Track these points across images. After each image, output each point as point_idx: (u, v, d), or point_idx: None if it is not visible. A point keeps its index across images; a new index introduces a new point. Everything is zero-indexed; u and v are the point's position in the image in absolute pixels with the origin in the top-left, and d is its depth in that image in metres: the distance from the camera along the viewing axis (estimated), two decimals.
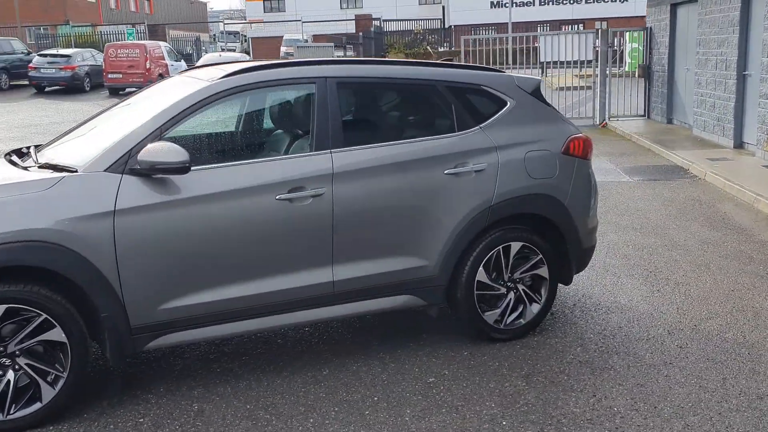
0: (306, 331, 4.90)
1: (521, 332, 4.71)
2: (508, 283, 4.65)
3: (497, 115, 4.65)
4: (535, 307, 4.72)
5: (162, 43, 26.10)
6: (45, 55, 24.52)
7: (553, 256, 4.73)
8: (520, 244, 4.61)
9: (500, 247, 4.56)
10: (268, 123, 4.62)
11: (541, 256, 4.66)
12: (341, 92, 4.29)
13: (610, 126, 15.55)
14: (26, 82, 25.16)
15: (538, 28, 42.61)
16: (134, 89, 22.88)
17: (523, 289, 4.68)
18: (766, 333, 4.78)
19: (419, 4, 50.23)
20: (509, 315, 4.66)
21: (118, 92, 23.55)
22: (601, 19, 43.85)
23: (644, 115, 16.39)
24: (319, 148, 4.14)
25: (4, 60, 24.93)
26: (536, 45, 17.95)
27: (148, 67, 23.21)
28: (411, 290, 4.41)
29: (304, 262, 4.08)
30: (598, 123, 15.94)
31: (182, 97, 3.99)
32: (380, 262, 4.28)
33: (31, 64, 23.96)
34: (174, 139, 3.87)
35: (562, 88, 18.88)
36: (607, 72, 16.00)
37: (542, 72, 22.26)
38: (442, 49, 35.45)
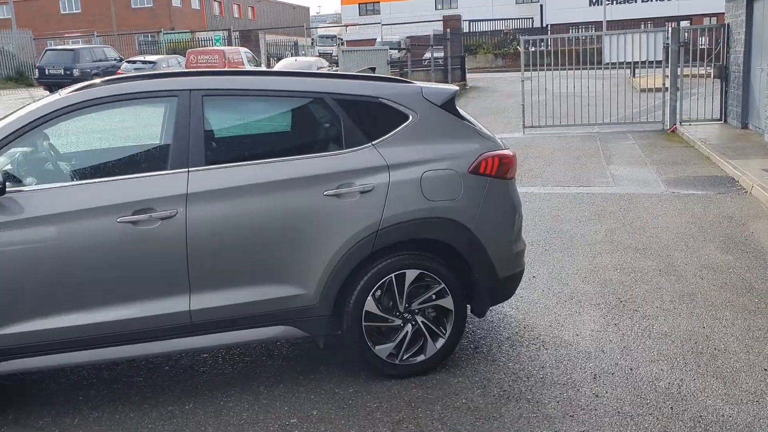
0: (201, 357, 4.64)
1: (421, 369, 4.25)
2: (405, 315, 4.22)
3: (395, 131, 4.22)
4: (439, 342, 4.26)
5: (242, 49, 26.67)
6: (132, 62, 25.60)
7: (460, 286, 4.25)
8: (417, 272, 4.16)
9: (393, 275, 4.13)
10: (124, 139, 4.37)
11: (443, 285, 4.20)
12: (208, 106, 3.99)
13: (679, 131, 14.40)
14: None
15: (641, 25, 40.59)
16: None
17: (423, 322, 4.23)
18: (709, 381, 4.11)
19: (516, 3, 49.02)
20: (407, 350, 4.23)
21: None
22: (711, 15, 41.33)
23: (720, 119, 15.09)
24: (175, 167, 3.86)
25: (97, 67, 26.23)
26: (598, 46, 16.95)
27: None
28: (288, 321, 4.05)
29: (155, 289, 3.82)
30: (667, 128, 14.86)
31: (25, 112, 3.83)
32: (248, 291, 3.95)
33: (119, 71, 25.05)
34: (11, 157, 3.72)
35: (644, 90, 17.83)
36: (679, 73, 14.89)
37: (632, 72, 21.14)
38: (534, 49, 34.38)
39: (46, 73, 25.47)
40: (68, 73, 24.80)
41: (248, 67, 25.30)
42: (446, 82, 24.04)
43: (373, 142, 4.16)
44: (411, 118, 4.25)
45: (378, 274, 4.10)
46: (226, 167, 3.93)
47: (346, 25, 47.13)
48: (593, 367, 4.35)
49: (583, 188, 9.64)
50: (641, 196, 9.06)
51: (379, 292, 4.14)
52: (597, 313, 5.18)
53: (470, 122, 4.42)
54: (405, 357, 4.22)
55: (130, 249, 3.74)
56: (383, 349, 4.19)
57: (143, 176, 3.86)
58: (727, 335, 4.75)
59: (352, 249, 4.03)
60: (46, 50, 27.52)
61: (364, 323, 4.14)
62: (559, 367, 4.35)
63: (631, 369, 4.30)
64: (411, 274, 4.15)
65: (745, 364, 4.33)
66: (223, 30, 38.60)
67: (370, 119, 4.23)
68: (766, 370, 4.27)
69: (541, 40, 22.99)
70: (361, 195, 4.05)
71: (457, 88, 4.54)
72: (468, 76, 28.73)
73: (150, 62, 25.14)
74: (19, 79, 30.12)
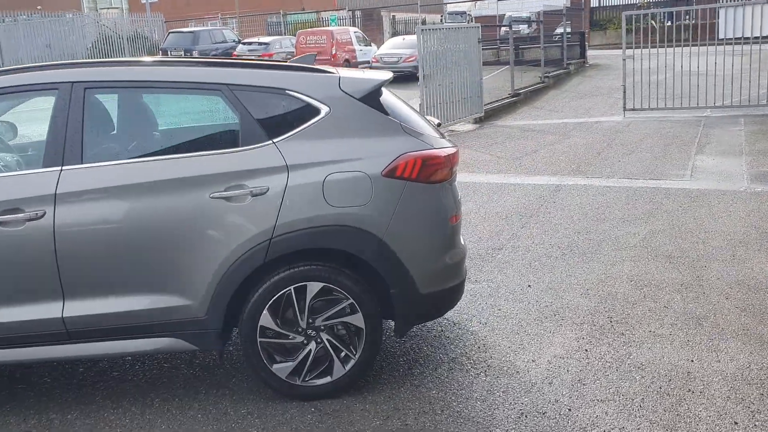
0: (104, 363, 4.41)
1: (327, 391, 3.82)
2: (308, 332, 3.79)
3: (302, 127, 3.76)
4: (349, 363, 3.81)
5: (352, 29, 26.47)
6: (248, 43, 26.18)
7: (373, 302, 3.77)
8: (321, 285, 3.72)
9: (292, 287, 3.72)
10: (5, 135, 4.18)
11: (351, 300, 3.73)
12: (90, 100, 3.72)
13: None
14: None
15: None
16: None
17: (328, 340, 3.79)
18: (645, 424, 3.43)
19: None
20: (310, 370, 3.81)
21: None
22: None
23: None
24: (49, 164, 3.63)
25: (216, 48, 27.09)
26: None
27: (333, 53, 23.65)
28: (175, 333, 3.74)
29: (27, 294, 3.63)
30: None
31: None
32: (126, 299, 3.66)
33: (234, 52, 25.74)
34: None
35: None
36: None
37: None
38: (669, 24, 31.89)
39: (169, 54, 26.63)
40: (188, 54, 25.76)
41: (357, 48, 25.22)
42: (561, 60, 22.75)
43: (275, 140, 3.74)
44: (323, 112, 3.79)
45: (275, 286, 3.70)
46: (101, 166, 3.65)
47: (475, 0, 45.94)
48: (526, 403, 3.73)
49: (651, 182, 8.64)
50: (713, 192, 7.97)
51: (276, 306, 3.75)
52: (573, 335, 4.49)
53: (400, 117, 3.89)
54: (308, 378, 3.81)
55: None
56: (282, 368, 3.79)
57: (15, 175, 3.68)
58: (714, 373, 3.95)
59: (243, 258, 3.65)
60: (169, 33, 28.77)
61: (259, 339, 3.76)
62: (487, 400, 3.77)
63: (569, 409, 3.65)
64: (313, 287, 3.71)
65: (713, 413, 3.57)
66: (346, 10, 38.75)
67: (275, 114, 3.80)
68: (736, 423, 3.50)
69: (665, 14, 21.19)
70: (253, 198, 3.66)
71: (388, 77, 3.99)
72: (591, 53, 27.07)
73: (264, 44, 25.61)
74: None
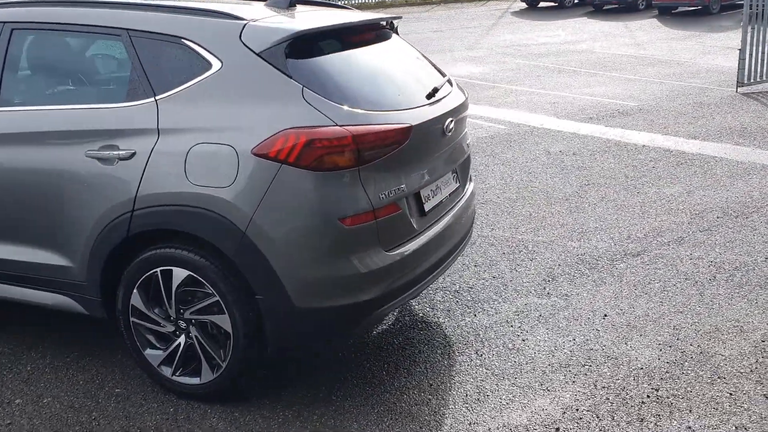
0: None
1: (198, 393, 3.28)
2: (179, 323, 3.26)
3: (187, 84, 3.08)
4: (218, 370, 3.22)
5: None
6: None
7: (247, 305, 3.09)
8: (186, 273, 3.13)
9: (159, 270, 3.19)
10: None
11: (217, 298, 3.10)
12: None
13: None
14: None
15: None
16: (685, 8, 21.27)
17: (197, 337, 3.22)
18: None
19: None
20: (181, 365, 3.29)
21: (670, 11, 21.93)
22: None
23: None
24: None
25: None
26: None
27: None
28: (68, 292, 3.46)
29: None
30: None
31: None
32: (17, 249, 3.46)
33: None
34: None
35: None
36: None
37: None
38: None
39: None
40: None
41: None
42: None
43: (158, 96, 3.14)
44: (213, 68, 3.09)
45: (143, 264, 3.18)
46: None
47: None
48: None
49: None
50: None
51: (147, 288, 3.25)
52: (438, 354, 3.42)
53: (317, 77, 3.05)
54: (178, 373, 3.31)
55: None
56: (154, 355, 3.32)
57: None
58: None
59: (108, 227, 3.17)
60: None
61: (131, 319, 3.33)
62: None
63: None
64: (179, 274, 3.13)
65: None
66: None
67: (166, 66, 3.16)
68: None
69: None
70: (119, 162, 3.13)
71: (301, 29, 3.12)
72: None
73: None
74: None
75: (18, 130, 3.37)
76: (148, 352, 3.34)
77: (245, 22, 3.13)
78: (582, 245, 4.99)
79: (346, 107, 3.01)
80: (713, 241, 5.00)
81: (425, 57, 3.99)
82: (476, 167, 6.93)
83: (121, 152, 3.13)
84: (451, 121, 3.49)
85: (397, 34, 3.98)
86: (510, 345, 3.72)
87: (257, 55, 3.05)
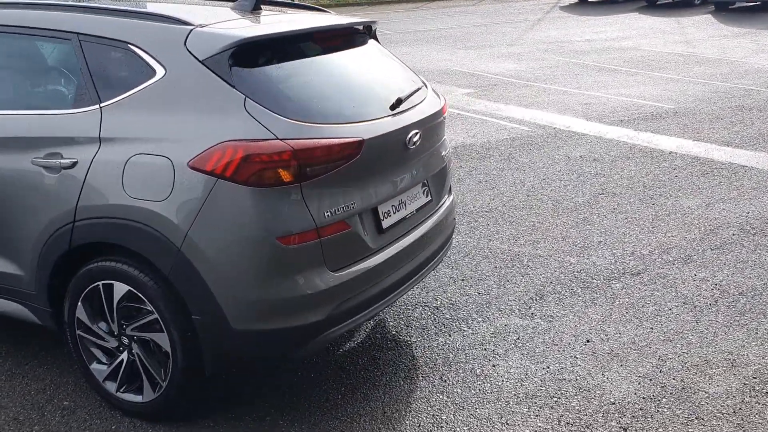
0: None
1: (140, 412, 3.17)
2: (122, 338, 3.15)
3: (131, 92, 2.96)
4: (158, 389, 3.10)
5: None
6: None
7: (184, 327, 2.95)
8: (126, 288, 3.02)
9: (101, 283, 3.08)
10: None
11: (156, 316, 2.98)
12: None
13: None
14: None
15: None
16: (744, 4, 20.47)
17: (138, 354, 3.11)
18: None
19: None
20: (125, 382, 3.18)
21: (727, 7, 21.17)
22: None
23: None
24: None
25: None
26: None
27: None
28: (22, 301, 3.40)
29: None
30: None
31: None
32: None
33: None
34: None
35: None
36: None
37: None
38: None
39: None
40: None
41: None
42: None
43: (103, 104, 3.03)
44: (157, 75, 2.96)
45: (86, 276, 3.07)
46: None
47: None
48: None
49: None
50: None
51: (91, 301, 3.13)
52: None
53: (259, 87, 2.89)
54: (123, 390, 3.20)
55: None
56: (98, 370, 3.22)
57: None
58: None
59: (52, 238, 3.07)
60: None
61: (77, 331, 3.24)
62: None
63: None
64: (120, 289, 3.02)
65: None
66: None
67: (113, 72, 3.06)
68: None
69: None
70: (63, 171, 3.04)
71: (247, 36, 2.93)
72: None
73: None
74: None
75: None
76: (94, 366, 3.25)
77: (191, 27, 2.99)
78: (580, 261, 4.73)
79: (290, 120, 2.84)
80: (723, 261, 4.68)
81: (403, 63, 3.80)
82: (489, 171, 6.69)
83: (63, 161, 3.04)
84: (417, 133, 3.29)
85: (376, 39, 3.80)
86: (478, 371, 3.51)
87: (201, 62, 2.91)
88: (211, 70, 2.89)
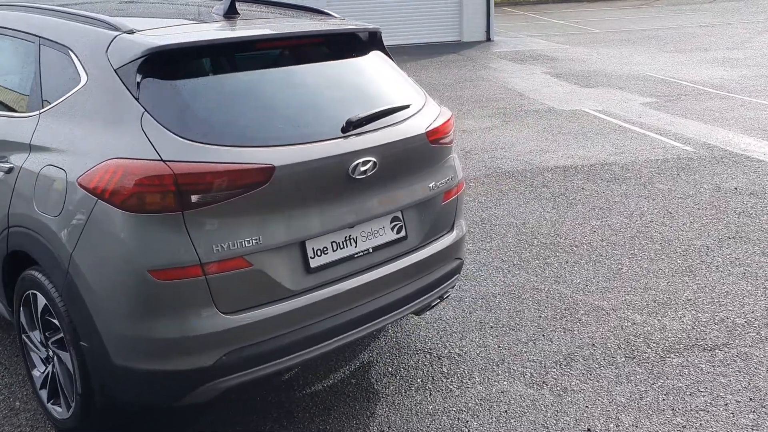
0: None
1: (65, 425, 3.03)
2: (49, 350, 3.02)
3: (60, 99, 2.85)
4: (72, 408, 2.93)
5: None
6: None
7: (79, 348, 2.75)
8: (44, 301, 2.89)
9: (30, 293, 2.98)
10: None
11: (62, 334, 2.81)
12: None
13: None
14: None
15: None
16: None
17: (56, 369, 2.97)
18: None
19: None
20: (52, 395, 3.07)
21: None
22: None
23: None
24: None
25: None
26: None
27: None
28: None
29: None
30: None
31: None
32: None
33: None
34: None
35: None
36: None
37: None
38: None
39: None
40: None
41: None
42: None
43: (42, 110, 2.94)
44: (81, 83, 2.79)
45: (20, 284, 3.04)
46: None
47: None
48: None
49: None
50: None
51: (27, 308, 3.07)
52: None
53: (156, 102, 2.59)
54: (52, 402, 3.10)
55: None
56: (36, 376, 3.17)
57: None
58: None
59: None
60: None
61: (23, 335, 3.20)
62: None
63: None
64: (41, 301, 2.93)
65: None
66: None
67: (55, 77, 2.96)
68: None
69: None
70: (3, 175, 3.00)
71: (160, 45, 2.61)
72: None
73: None
74: None
75: None
76: (34, 372, 3.22)
77: (117, 34, 2.79)
78: (647, 321, 3.86)
79: (182, 139, 2.53)
80: None
81: (405, 77, 3.30)
82: (611, 198, 5.81)
83: (3, 165, 3.01)
84: (368, 161, 2.81)
85: (381, 48, 3.34)
86: None
87: (115, 71, 2.70)
88: (121, 80, 2.68)
